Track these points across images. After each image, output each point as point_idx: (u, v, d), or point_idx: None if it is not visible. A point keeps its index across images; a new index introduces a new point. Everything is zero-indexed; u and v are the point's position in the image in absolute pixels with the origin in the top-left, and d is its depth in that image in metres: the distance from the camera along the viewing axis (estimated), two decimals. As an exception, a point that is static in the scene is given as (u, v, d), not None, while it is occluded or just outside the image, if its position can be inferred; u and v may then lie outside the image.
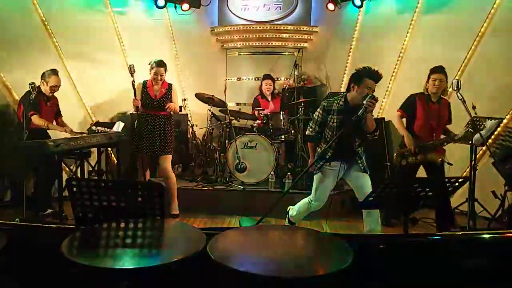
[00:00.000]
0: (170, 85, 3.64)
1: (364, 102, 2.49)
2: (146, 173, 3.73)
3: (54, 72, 3.66)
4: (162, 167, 3.65)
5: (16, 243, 1.79)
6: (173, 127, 3.78)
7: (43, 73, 3.63)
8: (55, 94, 3.79)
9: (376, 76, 2.62)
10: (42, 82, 3.61)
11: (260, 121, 4.44)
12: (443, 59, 4.21)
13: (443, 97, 3.43)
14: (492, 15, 3.86)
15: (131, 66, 3.47)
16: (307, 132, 2.90)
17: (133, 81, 3.47)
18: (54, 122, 3.84)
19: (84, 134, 3.66)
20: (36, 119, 3.53)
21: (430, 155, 3.32)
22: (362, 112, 2.49)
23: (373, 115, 2.67)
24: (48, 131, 3.69)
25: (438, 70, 3.32)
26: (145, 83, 3.60)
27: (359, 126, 2.63)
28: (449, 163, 3.34)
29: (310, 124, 2.86)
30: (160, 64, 3.55)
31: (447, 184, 1.81)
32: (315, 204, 2.86)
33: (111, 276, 1.25)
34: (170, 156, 3.69)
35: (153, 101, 3.56)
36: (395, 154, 3.53)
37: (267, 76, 4.94)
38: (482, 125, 3.14)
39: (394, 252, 1.76)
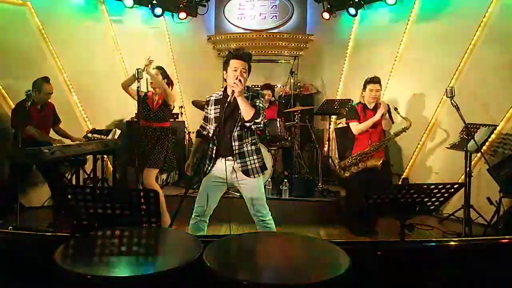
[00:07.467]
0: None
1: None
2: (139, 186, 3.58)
3: (46, 79, 3.61)
4: (144, 182, 3.33)
5: (9, 251, 1.77)
6: (168, 141, 3.48)
7: (35, 81, 3.58)
8: (50, 100, 3.76)
9: (239, 55, 2.33)
10: (34, 91, 3.56)
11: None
12: (436, 67, 4.29)
13: (378, 102, 3.50)
14: (484, 23, 3.93)
15: (138, 70, 3.21)
16: None
17: (139, 87, 3.20)
18: (52, 131, 3.79)
19: (80, 141, 3.64)
20: (29, 130, 3.45)
21: (369, 162, 3.38)
22: (231, 98, 2.27)
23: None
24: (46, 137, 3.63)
25: (376, 80, 3.39)
26: (146, 93, 3.50)
27: (237, 115, 2.35)
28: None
29: None
30: (161, 68, 3.43)
31: (443, 190, 1.81)
32: (195, 206, 2.61)
33: (106, 285, 1.23)
34: (155, 170, 3.38)
35: (150, 113, 3.43)
36: (337, 167, 3.48)
37: (266, 86, 4.92)
38: (476, 132, 3.17)
39: (391, 259, 1.76)
